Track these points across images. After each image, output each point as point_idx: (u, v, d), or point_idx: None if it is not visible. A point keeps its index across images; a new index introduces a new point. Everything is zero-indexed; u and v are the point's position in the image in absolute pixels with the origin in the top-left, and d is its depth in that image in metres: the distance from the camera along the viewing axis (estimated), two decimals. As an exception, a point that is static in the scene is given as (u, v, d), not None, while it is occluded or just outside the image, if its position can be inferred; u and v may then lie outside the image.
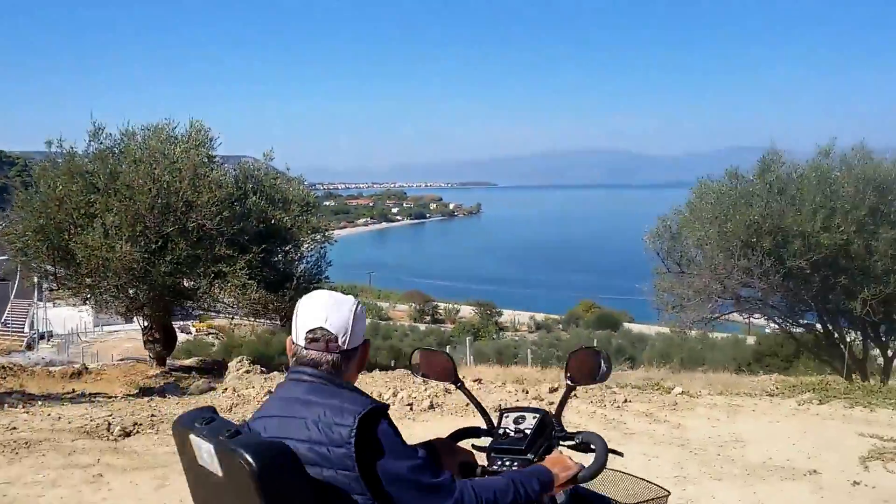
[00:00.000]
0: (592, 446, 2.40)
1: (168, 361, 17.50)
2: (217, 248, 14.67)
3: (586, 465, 2.30)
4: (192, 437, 1.96)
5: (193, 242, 14.54)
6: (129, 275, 14.00)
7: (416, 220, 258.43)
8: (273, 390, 2.35)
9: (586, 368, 2.49)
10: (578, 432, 2.49)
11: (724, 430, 7.28)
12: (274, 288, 15.92)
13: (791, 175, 11.38)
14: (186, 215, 14.34)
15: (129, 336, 36.87)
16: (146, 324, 16.94)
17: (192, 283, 15.62)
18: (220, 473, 1.90)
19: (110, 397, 8.21)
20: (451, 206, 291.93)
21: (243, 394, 8.22)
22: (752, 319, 13.30)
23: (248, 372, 10.40)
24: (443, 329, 55.54)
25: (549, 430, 2.50)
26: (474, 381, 9.78)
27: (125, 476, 5.74)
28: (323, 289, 2.30)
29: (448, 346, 35.13)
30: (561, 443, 2.50)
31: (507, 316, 67.80)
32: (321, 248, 17.74)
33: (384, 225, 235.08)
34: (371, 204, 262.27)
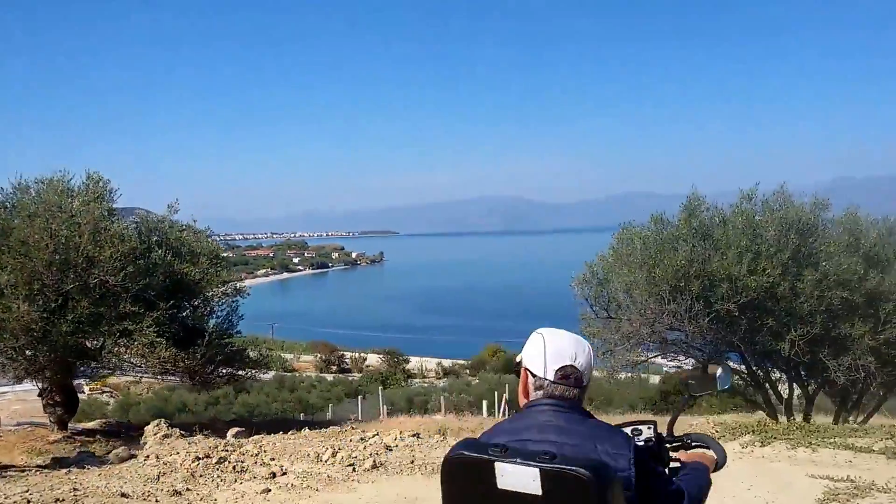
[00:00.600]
0: (705, 443, 2.79)
1: (70, 425, 16.36)
2: (122, 304, 13.77)
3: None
4: (499, 464, 2.14)
5: (96, 300, 13.60)
6: (27, 336, 12.97)
7: (319, 270, 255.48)
8: (511, 417, 2.56)
9: (706, 380, 2.85)
10: (686, 435, 2.86)
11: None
12: (184, 345, 15.05)
13: (714, 220, 11.45)
14: (88, 271, 13.42)
15: (17, 397, 34.68)
16: (45, 386, 15.79)
17: (96, 342, 14.64)
18: (538, 493, 2.11)
19: (22, 469, 7.41)
20: (354, 255, 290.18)
21: (169, 461, 7.55)
22: (676, 359, 13.22)
23: (166, 436, 9.66)
24: (350, 378, 54.68)
25: (663, 437, 2.80)
26: (411, 436, 9.36)
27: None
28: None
29: (359, 396, 34.41)
30: (674, 447, 2.80)
31: (415, 363, 67.41)
32: (232, 301, 16.98)
33: (285, 275, 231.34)
34: (271, 254, 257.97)
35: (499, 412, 29.33)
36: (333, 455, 7.82)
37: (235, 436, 9.38)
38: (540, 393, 2.47)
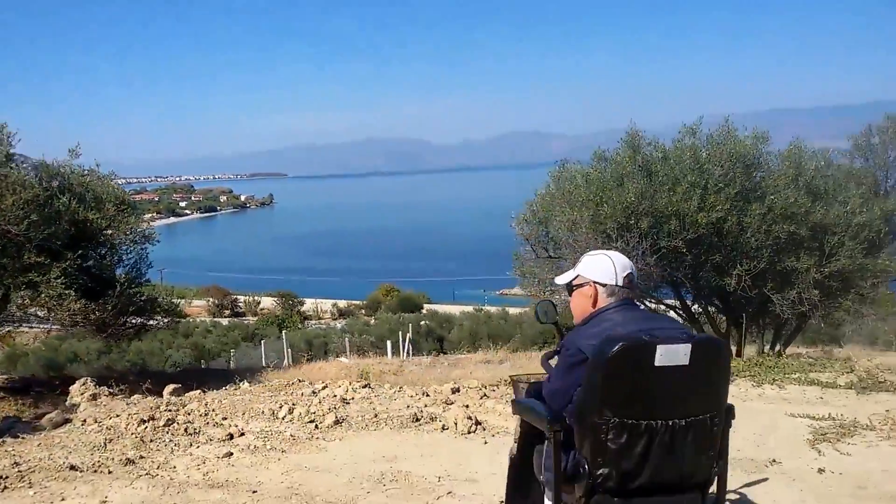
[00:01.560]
0: None
1: (-35, 383, 15.15)
2: (25, 255, 12.68)
3: None
4: (659, 346, 2.74)
5: (-2, 250, 12.53)
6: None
7: (207, 214, 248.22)
8: (591, 322, 3.10)
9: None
10: None
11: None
12: (93, 296, 14.05)
13: (655, 156, 11.25)
14: (-13, 221, 12.29)
15: None
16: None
17: (-4, 295, 13.46)
18: (686, 363, 2.76)
19: None
20: (243, 198, 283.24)
21: (111, 425, 6.82)
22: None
23: (95, 396, 8.87)
24: (246, 322, 53.49)
25: None
26: (363, 386, 8.88)
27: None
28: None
29: (262, 341, 33.59)
30: None
31: (309, 305, 67.00)
32: (141, 248, 15.92)
33: (172, 220, 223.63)
34: (156, 199, 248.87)
35: (403, 351, 29.13)
36: (290, 412, 7.27)
37: (173, 393, 8.71)
38: (612, 299, 3.13)
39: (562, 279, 3.37)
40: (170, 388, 9.10)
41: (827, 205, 11.01)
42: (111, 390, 9.23)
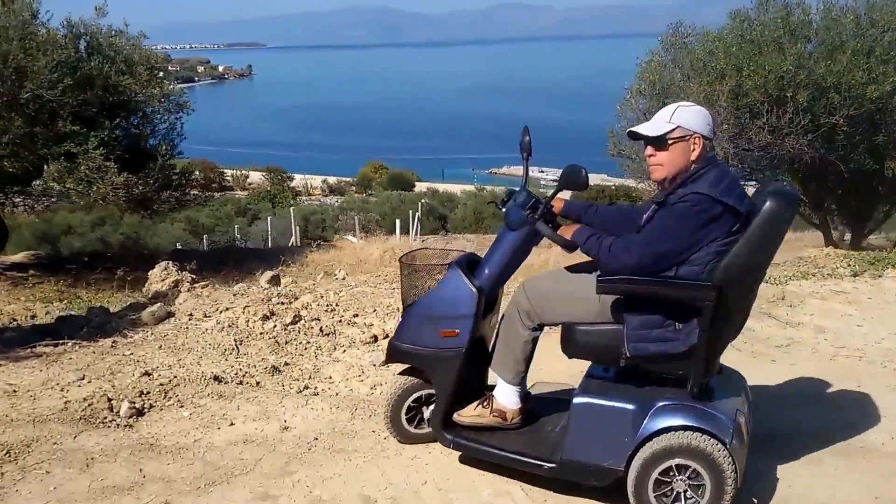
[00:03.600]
0: None
1: (-2, 259, 14.18)
2: (60, 123, 11.48)
3: None
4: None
5: (30, 118, 11.25)
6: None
7: (185, 84, 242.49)
8: (716, 176, 2.91)
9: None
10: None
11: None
12: (134, 169, 12.92)
13: (802, 19, 9.95)
14: (19, 85, 10.96)
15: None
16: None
17: (28, 166, 12.25)
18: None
19: (56, 343, 5.52)
20: (221, 69, 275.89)
21: (230, 321, 5.79)
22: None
23: (177, 283, 7.84)
24: (238, 196, 52.22)
25: None
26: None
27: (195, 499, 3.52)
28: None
29: (268, 217, 32.65)
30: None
31: (299, 180, 66.33)
32: (176, 118, 14.64)
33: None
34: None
35: (413, 231, 28.37)
36: (297, 321, 6.29)
37: (270, 282, 7.71)
38: (711, 152, 3.09)
39: (652, 130, 2.99)
40: (267, 275, 8.08)
41: None
42: (193, 276, 8.22)
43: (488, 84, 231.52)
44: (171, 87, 14.50)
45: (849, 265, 7.62)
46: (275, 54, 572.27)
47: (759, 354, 5.21)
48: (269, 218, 30.52)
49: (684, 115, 2.96)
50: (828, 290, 6.63)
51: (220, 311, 6.34)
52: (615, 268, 2.91)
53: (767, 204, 2.80)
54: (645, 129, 3.04)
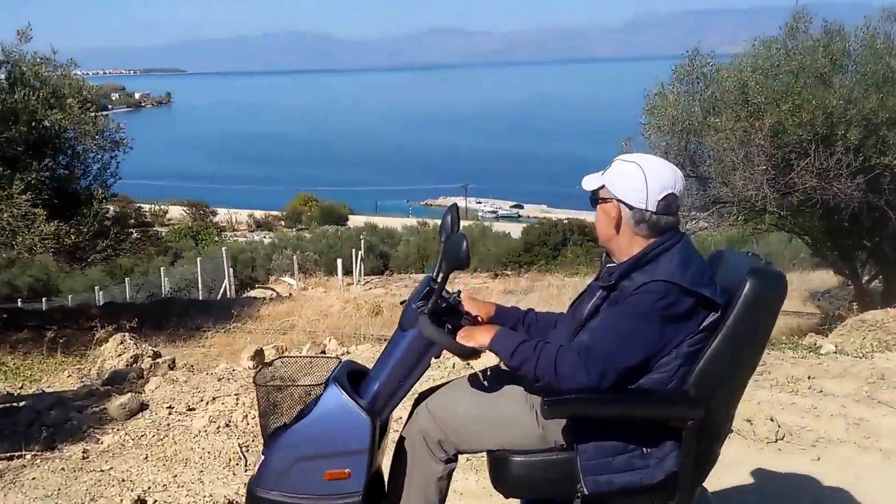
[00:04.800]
0: None
1: None
2: (-20, 165, 10.48)
3: None
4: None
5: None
6: None
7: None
8: (668, 249, 2.44)
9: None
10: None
11: None
12: (65, 215, 11.88)
13: (844, 48, 9.46)
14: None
15: None
16: None
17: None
18: None
19: (11, 456, 4.50)
20: (137, 96, 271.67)
21: (226, 419, 4.89)
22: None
23: (136, 359, 6.81)
24: (158, 232, 50.67)
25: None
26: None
27: None
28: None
29: (175, 255, 31.52)
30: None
31: (223, 215, 65.07)
32: (111, 156, 13.62)
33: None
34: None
35: (356, 271, 27.64)
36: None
37: (254, 360, 6.70)
38: (644, 227, 2.46)
39: (589, 184, 2.61)
40: (249, 350, 7.10)
41: None
42: (154, 349, 7.24)
43: (422, 112, 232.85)
44: (106, 122, 13.48)
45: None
46: (196, 80, 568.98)
47: (893, 454, 4.50)
48: (198, 260, 29.10)
49: (612, 173, 2.54)
50: (928, 365, 5.99)
51: (207, 403, 5.44)
52: (567, 388, 2.35)
53: (752, 290, 2.37)
54: (586, 180, 2.66)
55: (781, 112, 8.77)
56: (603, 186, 2.54)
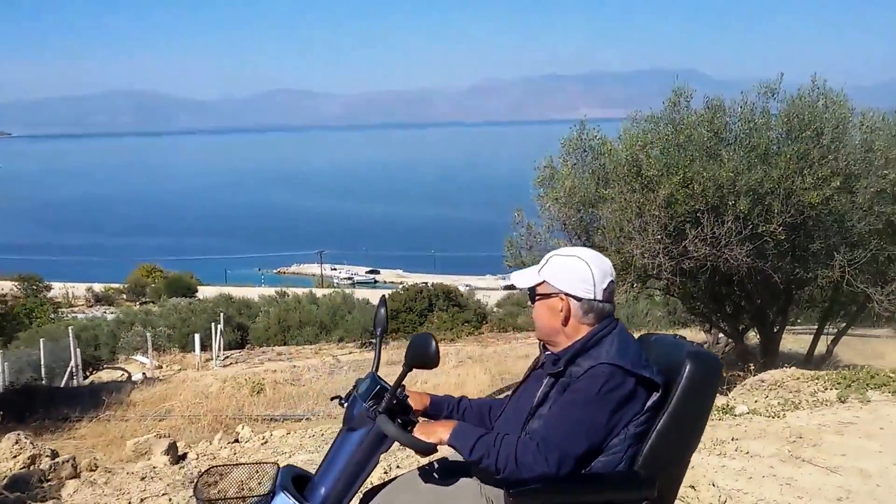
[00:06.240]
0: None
1: None
2: None
3: None
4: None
5: None
6: None
7: None
8: (609, 334, 2.57)
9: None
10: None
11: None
12: None
13: (727, 121, 9.99)
14: None
15: None
16: None
17: None
18: None
19: None
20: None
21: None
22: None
23: (33, 460, 6.25)
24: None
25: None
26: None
27: None
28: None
29: (41, 339, 29.73)
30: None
31: (59, 290, 61.28)
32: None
33: None
34: None
35: (215, 346, 26.84)
36: None
37: (168, 453, 6.29)
38: (591, 316, 2.59)
39: (523, 281, 2.73)
40: (161, 444, 6.68)
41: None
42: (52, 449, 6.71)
43: (266, 174, 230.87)
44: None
45: (825, 388, 7.48)
46: (22, 144, 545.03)
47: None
48: (41, 341, 27.37)
49: (552, 268, 2.64)
50: (834, 421, 6.38)
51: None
52: (527, 478, 2.42)
53: (693, 371, 2.52)
54: (516, 277, 2.79)
55: (673, 184, 9.23)
56: (543, 282, 2.64)
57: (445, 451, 2.62)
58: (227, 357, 27.21)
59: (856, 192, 9.45)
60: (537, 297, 2.66)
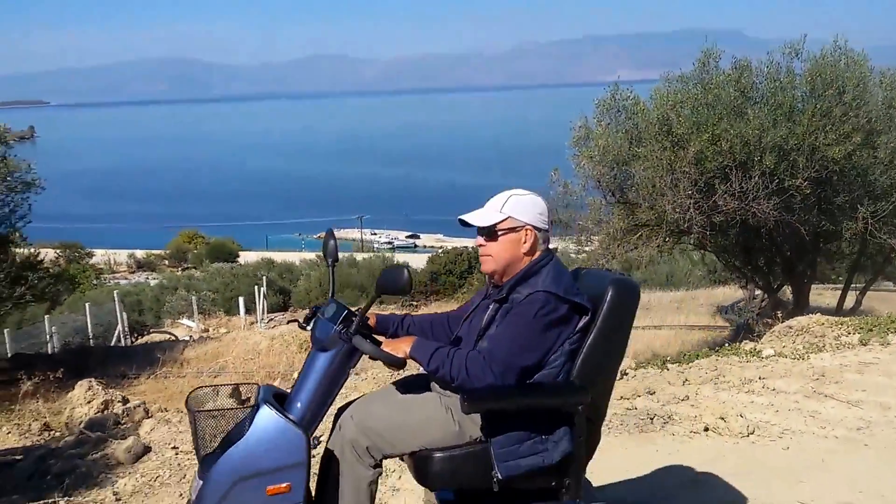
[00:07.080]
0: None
1: None
2: None
3: None
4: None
5: None
6: None
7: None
8: (547, 265, 3.03)
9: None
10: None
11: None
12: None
13: (754, 79, 10.52)
14: None
15: None
16: None
17: None
18: None
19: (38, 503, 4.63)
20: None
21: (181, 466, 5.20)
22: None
23: (107, 405, 7.03)
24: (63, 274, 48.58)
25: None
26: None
27: None
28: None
29: (86, 304, 30.63)
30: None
31: (100, 257, 61.88)
32: (23, 198, 13.57)
33: None
34: None
35: (259, 310, 27.63)
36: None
37: (232, 397, 7.03)
38: (545, 245, 3.09)
39: (483, 220, 3.06)
40: (226, 389, 7.40)
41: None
42: (122, 395, 7.47)
43: (305, 141, 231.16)
44: (17, 162, 13.44)
45: (848, 333, 8.01)
46: (60, 112, 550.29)
47: (847, 440, 5.26)
48: (87, 305, 28.48)
49: (516, 206, 3.05)
50: (856, 362, 6.90)
51: (167, 443, 5.82)
52: (477, 386, 2.83)
53: (616, 294, 2.94)
54: (474, 217, 3.09)
55: (702, 142, 9.78)
56: (508, 218, 3.04)
57: (411, 369, 3.09)
58: (272, 319, 27.90)
59: (878, 148, 9.97)
60: (499, 233, 3.02)
